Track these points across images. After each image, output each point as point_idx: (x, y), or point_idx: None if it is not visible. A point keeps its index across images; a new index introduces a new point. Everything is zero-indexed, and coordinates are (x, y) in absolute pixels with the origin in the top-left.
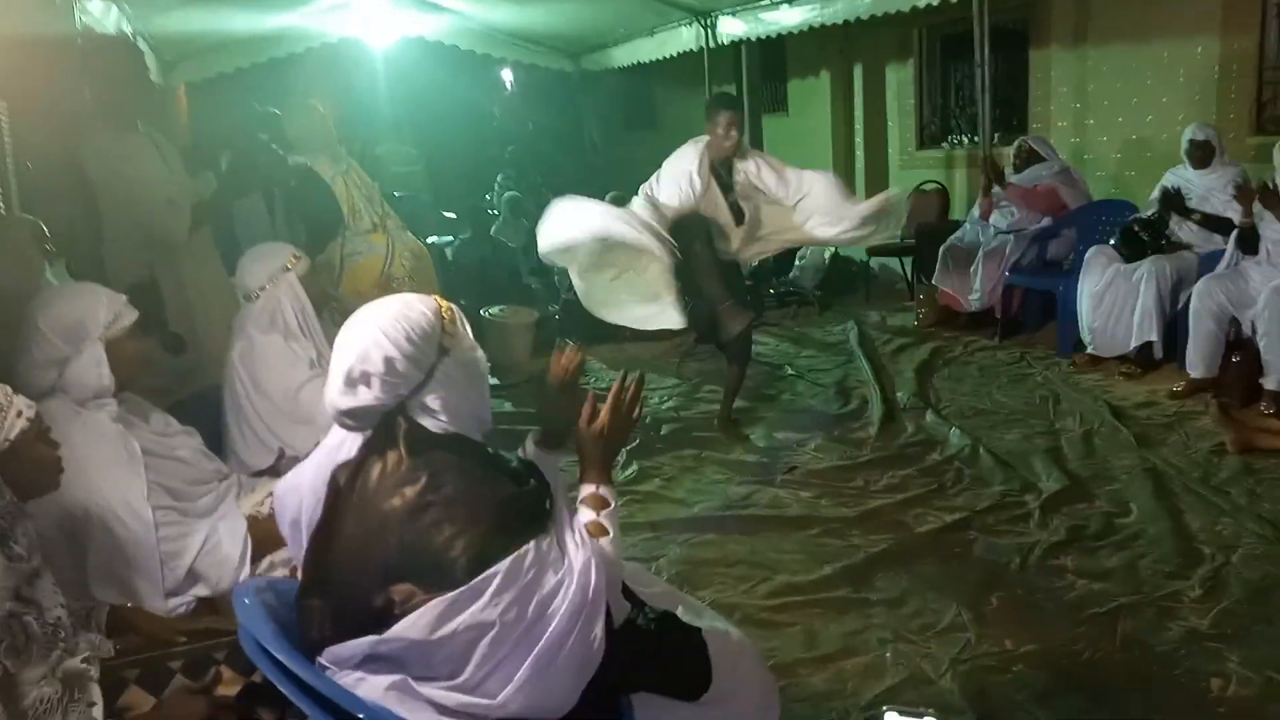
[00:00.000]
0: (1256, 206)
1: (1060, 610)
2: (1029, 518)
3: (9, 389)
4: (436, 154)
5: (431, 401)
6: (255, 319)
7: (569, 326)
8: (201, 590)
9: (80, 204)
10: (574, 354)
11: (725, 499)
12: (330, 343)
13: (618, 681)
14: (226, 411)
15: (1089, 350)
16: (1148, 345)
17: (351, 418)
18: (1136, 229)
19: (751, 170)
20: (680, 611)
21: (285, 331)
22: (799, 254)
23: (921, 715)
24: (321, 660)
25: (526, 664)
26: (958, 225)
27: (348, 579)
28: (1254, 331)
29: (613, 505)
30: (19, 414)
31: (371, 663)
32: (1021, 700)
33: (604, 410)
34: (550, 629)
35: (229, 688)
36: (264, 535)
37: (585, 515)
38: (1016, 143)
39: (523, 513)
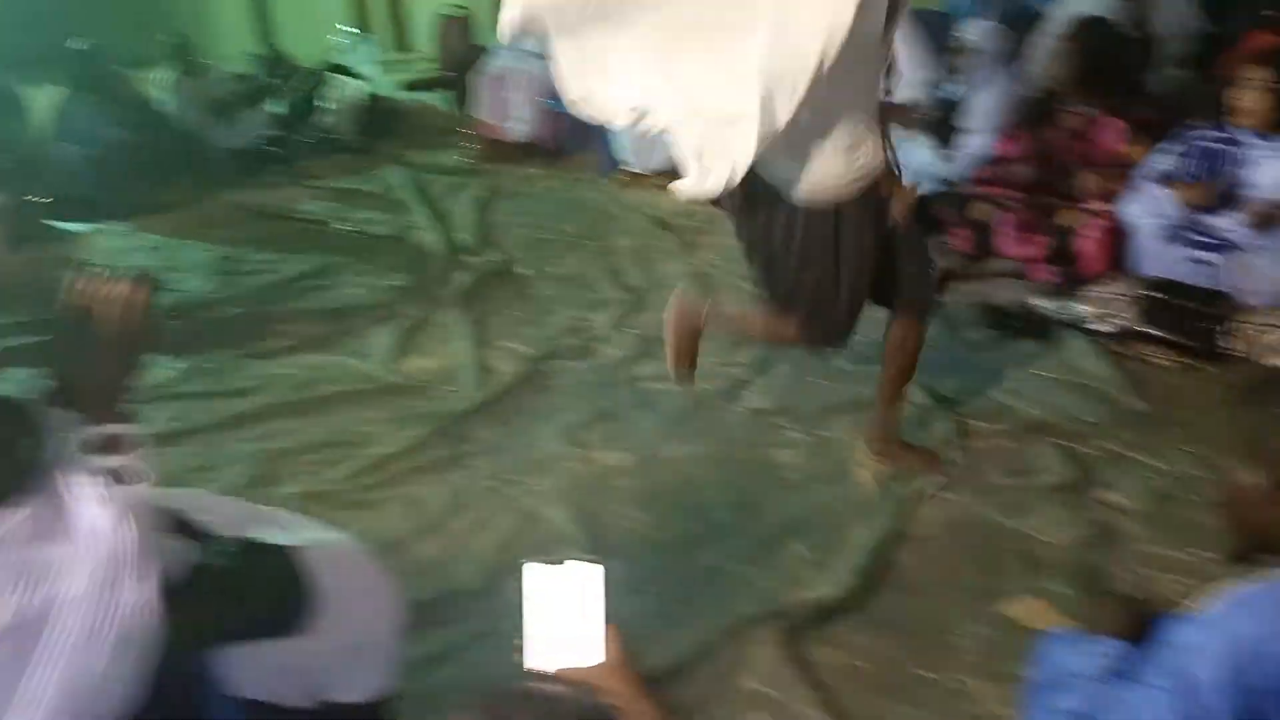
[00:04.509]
0: None
1: (648, 417)
2: (603, 338)
3: None
4: None
5: None
6: None
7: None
8: None
9: None
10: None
11: (293, 381)
12: None
13: (192, 644)
14: None
15: (628, 167)
16: None
17: None
18: None
19: None
20: (261, 531)
21: None
22: (328, 94)
23: (560, 561)
24: None
25: (56, 667)
26: (491, 52)
27: None
28: None
29: (128, 442)
30: None
31: None
32: (627, 511)
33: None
34: (72, 615)
35: None
36: None
37: (95, 463)
38: None
39: None
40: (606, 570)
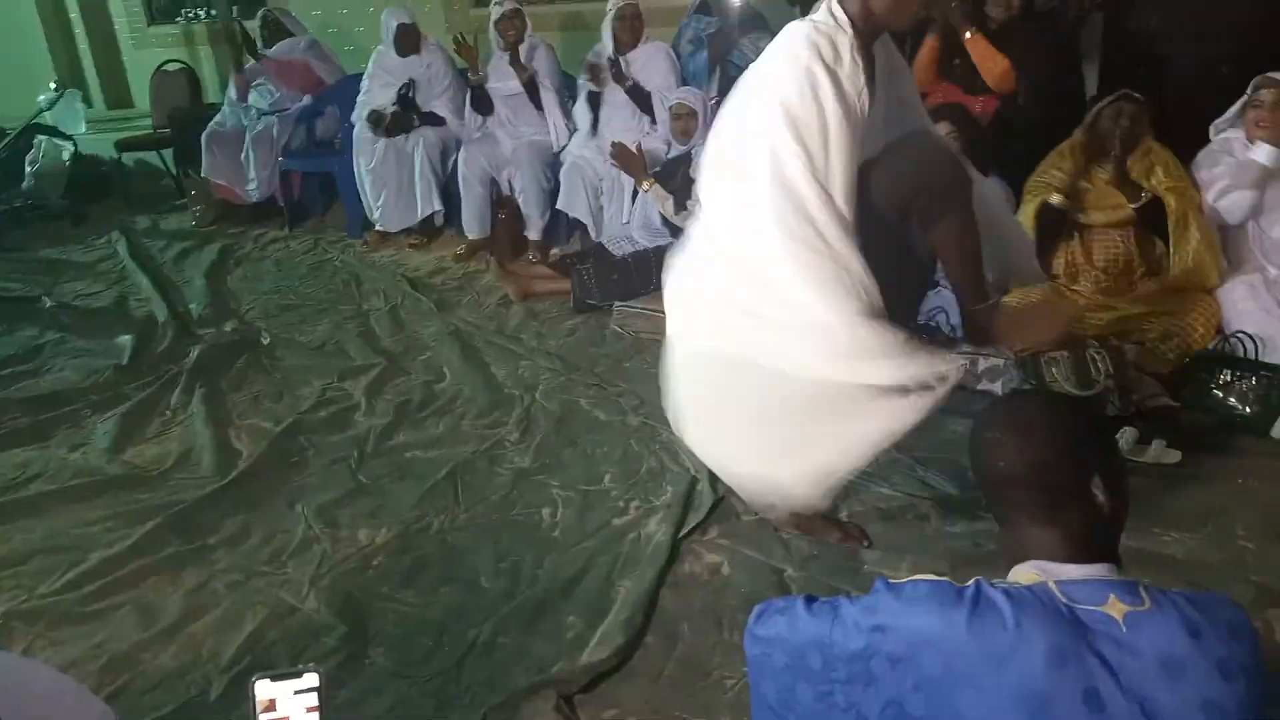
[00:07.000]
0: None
1: (405, 489)
2: (357, 407)
3: None
4: None
5: None
6: None
7: None
8: None
9: None
10: None
11: None
12: None
13: None
14: None
15: (377, 228)
16: (430, 215)
17: None
18: (391, 104)
19: None
20: None
21: None
22: (29, 156)
23: (299, 673)
24: None
25: None
26: (215, 109)
27: None
28: (512, 189)
29: None
30: None
31: None
32: (387, 591)
33: None
34: None
35: None
36: None
37: None
38: (260, 14)
39: None
40: (371, 660)
